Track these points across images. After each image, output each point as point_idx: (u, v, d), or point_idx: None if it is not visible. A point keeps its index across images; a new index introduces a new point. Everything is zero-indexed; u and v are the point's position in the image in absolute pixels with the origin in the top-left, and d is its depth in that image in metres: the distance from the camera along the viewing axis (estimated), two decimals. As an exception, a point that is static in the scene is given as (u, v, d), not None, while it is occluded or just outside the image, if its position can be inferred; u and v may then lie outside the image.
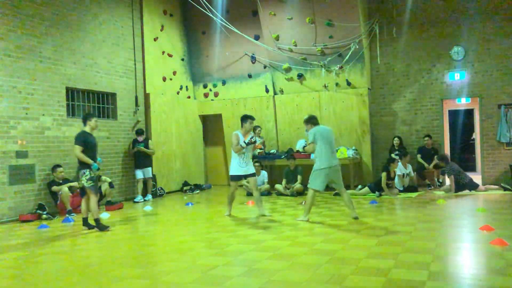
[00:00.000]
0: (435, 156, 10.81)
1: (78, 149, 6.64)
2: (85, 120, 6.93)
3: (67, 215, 8.14)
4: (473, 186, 9.50)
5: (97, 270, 4.56)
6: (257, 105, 12.51)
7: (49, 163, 8.75)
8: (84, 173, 6.68)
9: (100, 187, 9.16)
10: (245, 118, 7.61)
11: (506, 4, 10.47)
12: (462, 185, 9.49)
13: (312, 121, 7.16)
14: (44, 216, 8.09)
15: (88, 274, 4.42)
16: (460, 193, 9.51)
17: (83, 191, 6.87)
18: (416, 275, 3.92)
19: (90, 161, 6.68)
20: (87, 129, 6.87)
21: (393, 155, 10.81)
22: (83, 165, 6.71)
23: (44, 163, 8.69)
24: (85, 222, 6.89)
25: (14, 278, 4.41)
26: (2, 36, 8.07)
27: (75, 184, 8.74)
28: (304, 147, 7.23)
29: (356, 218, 6.90)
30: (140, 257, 5.06)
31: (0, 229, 7.30)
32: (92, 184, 6.72)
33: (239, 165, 7.48)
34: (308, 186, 6.98)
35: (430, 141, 10.90)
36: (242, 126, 7.59)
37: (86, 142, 6.71)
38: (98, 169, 6.83)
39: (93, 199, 6.76)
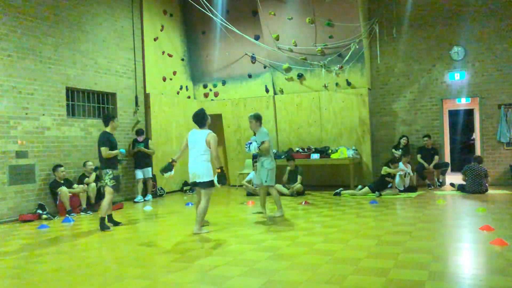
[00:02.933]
0: (435, 156, 10.84)
1: (105, 150, 6.85)
2: (107, 121, 7.11)
3: (67, 215, 8.14)
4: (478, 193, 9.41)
5: (97, 270, 4.56)
6: (257, 105, 12.51)
7: (49, 163, 8.75)
8: (107, 172, 6.90)
9: (100, 187, 9.18)
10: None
11: (506, 4, 10.47)
12: (466, 190, 9.50)
13: (261, 120, 7.40)
14: (44, 216, 8.10)
15: (88, 274, 4.42)
16: (461, 193, 9.54)
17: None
18: (416, 275, 3.93)
19: (116, 152, 7.01)
20: (108, 129, 7.06)
21: (395, 153, 10.82)
22: (108, 164, 6.91)
23: (44, 163, 8.69)
24: (110, 219, 7.13)
25: (14, 278, 4.41)
26: (2, 36, 8.07)
27: (77, 186, 8.80)
28: (259, 146, 7.17)
29: (261, 212, 7.66)
30: (140, 257, 5.06)
31: (0, 229, 7.30)
32: (114, 183, 6.95)
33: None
34: (268, 184, 7.30)
35: (430, 141, 10.91)
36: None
37: (111, 142, 6.93)
38: (123, 158, 7.36)
39: (109, 198, 6.95)
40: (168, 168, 6.21)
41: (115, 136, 10.19)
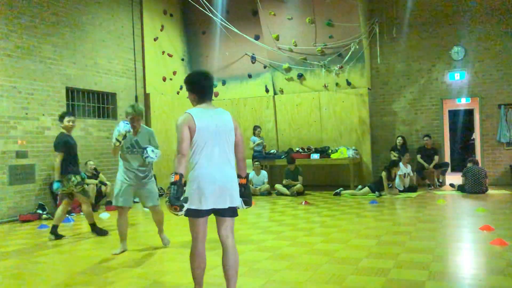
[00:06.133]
0: (435, 156, 10.84)
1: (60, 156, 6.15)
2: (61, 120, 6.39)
3: (67, 215, 8.12)
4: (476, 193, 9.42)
5: (97, 270, 4.56)
6: (257, 105, 12.51)
7: (49, 163, 8.74)
8: (70, 178, 6.20)
9: (100, 187, 9.19)
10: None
11: (506, 4, 10.47)
12: (466, 191, 9.52)
13: None
14: (44, 216, 8.10)
15: (88, 274, 4.42)
16: (461, 193, 9.56)
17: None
18: (416, 275, 3.92)
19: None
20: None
21: (392, 154, 10.84)
22: (68, 170, 6.19)
23: (44, 163, 8.69)
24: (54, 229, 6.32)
25: (14, 278, 4.41)
26: (2, 36, 8.07)
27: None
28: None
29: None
30: (140, 257, 5.06)
31: (0, 229, 7.30)
32: (81, 189, 6.32)
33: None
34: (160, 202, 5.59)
35: (430, 141, 10.90)
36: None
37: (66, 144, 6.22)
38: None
39: (86, 206, 6.36)
40: (180, 192, 3.08)
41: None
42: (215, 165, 3.22)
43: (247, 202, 3.42)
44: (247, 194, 3.41)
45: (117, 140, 4.90)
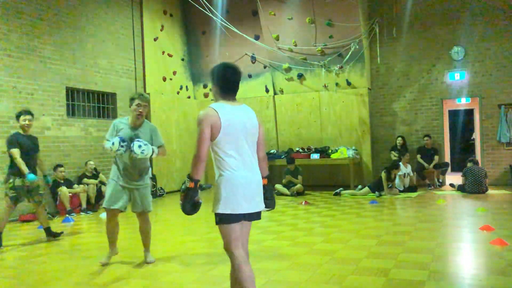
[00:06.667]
0: (435, 156, 10.84)
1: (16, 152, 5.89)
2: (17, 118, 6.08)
3: (67, 215, 8.14)
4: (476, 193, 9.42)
5: (97, 270, 4.56)
6: (257, 105, 12.51)
7: (49, 163, 8.73)
8: (8, 180, 5.94)
9: (100, 187, 9.18)
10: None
11: (506, 4, 10.47)
12: (466, 191, 9.51)
13: None
14: (44, 216, 8.08)
15: (88, 274, 4.42)
16: (461, 193, 9.57)
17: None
18: (416, 275, 3.93)
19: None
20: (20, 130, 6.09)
21: (392, 154, 10.84)
22: (13, 171, 5.96)
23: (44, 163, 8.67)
24: (48, 232, 6.24)
25: (14, 278, 4.41)
26: (2, 36, 8.07)
27: (77, 186, 8.75)
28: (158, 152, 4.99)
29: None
30: (140, 257, 5.05)
31: (0, 229, 7.30)
32: (14, 194, 5.91)
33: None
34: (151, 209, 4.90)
35: (430, 141, 10.90)
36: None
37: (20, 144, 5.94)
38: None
39: (6, 211, 5.99)
40: (197, 201, 2.95)
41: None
42: (247, 166, 2.99)
43: (269, 204, 3.15)
44: (270, 196, 3.16)
45: (110, 149, 4.55)
